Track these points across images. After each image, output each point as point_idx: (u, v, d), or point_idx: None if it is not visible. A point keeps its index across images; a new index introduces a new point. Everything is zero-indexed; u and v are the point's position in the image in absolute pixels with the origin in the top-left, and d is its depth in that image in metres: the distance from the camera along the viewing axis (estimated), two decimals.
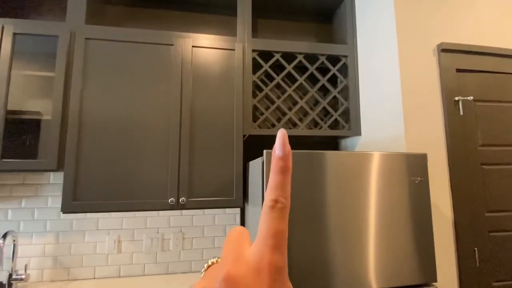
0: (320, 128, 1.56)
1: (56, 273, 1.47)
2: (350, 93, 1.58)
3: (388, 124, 1.29)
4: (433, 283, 1.01)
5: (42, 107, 1.49)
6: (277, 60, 1.59)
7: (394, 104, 1.25)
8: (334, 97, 1.72)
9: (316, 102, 1.80)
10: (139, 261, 1.55)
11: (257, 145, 1.74)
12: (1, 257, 1.26)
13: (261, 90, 1.70)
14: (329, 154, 1.01)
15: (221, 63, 1.45)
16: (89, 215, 1.53)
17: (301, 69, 1.78)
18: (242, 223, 1.68)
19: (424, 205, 1.04)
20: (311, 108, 1.76)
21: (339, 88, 1.60)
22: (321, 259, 0.95)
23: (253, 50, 1.52)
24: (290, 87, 1.63)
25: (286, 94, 1.52)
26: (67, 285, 1.42)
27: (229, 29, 1.79)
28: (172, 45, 1.41)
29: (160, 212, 1.60)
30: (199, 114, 1.40)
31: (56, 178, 1.53)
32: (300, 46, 1.56)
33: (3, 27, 1.29)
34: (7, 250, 1.42)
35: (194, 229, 1.63)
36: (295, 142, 1.78)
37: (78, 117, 1.29)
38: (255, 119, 1.60)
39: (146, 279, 1.50)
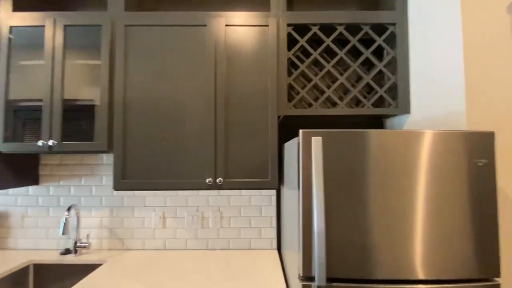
0: (363, 107, 1.43)
1: (112, 243, 1.65)
2: (398, 66, 1.41)
3: (444, 99, 1.13)
4: (495, 279, 0.89)
5: (94, 93, 1.61)
6: (315, 33, 1.47)
7: (454, 75, 1.07)
8: (380, 71, 1.55)
9: (359, 78, 1.65)
10: (182, 236, 1.66)
11: (293, 126, 1.68)
12: (68, 227, 1.45)
13: (297, 67, 1.61)
14: (373, 133, 0.92)
15: (255, 41, 1.40)
16: (136, 192, 1.67)
17: (341, 42, 1.63)
18: (278, 204, 1.67)
19: (488, 191, 0.90)
20: (352, 85, 1.62)
21: (385, 61, 1.43)
22: (362, 246, 0.90)
23: (288, 25, 1.43)
24: (329, 62, 1.51)
25: (324, 71, 1.41)
26: (122, 254, 1.59)
27: (263, 4, 1.71)
28: (205, 25, 1.39)
29: (200, 191, 1.67)
30: (233, 95, 1.38)
31: (109, 159, 1.68)
32: (341, 15, 1.42)
33: (55, 20, 1.39)
34: (72, 221, 1.63)
35: (231, 208, 1.67)
36: (334, 123, 1.67)
37: (122, 101, 1.37)
38: (290, 99, 1.53)
39: (188, 253, 1.60)
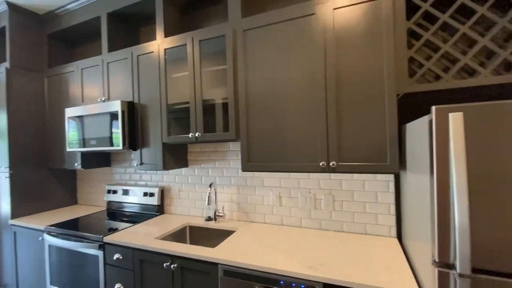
0: None
1: (240, 215, 2.00)
2: None
3: None
4: None
5: (221, 93, 1.95)
6: None
7: None
8: None
9: (509, 37, 1.29)
10: (296, 214, 1.82)
11: (414, 105, 1.51)
12: (210, 199, 1.86)
13: (418, 37, 1.42)
14: None
15: (366, 18, 1.33)
16: (256, 174, 1.94)
17: None
18: (397, 191, 1.57)
19: None
20: (500, 47, 1.29)
21: None
22: (508, 232, 0.76)
23: None
24: (463, 24, 1.26)
25: (458, 34, 1.19)
26: (248, 224, 1.90)
27: None
28: (313, 14, 1.43)
29: (311, 174, 1.77)
30: (344, 77, 1.38)
31: (233, 146, 2.02)
32: None
33: (192, 38, 1.77)
34: (212, 196, 2.07)
35: (344, 192, 1.69)
36: (473, 97, 1.39)
37: (245, 98, 1.61)
38: (412, 74, 1.37)
39: (303, 230, 1.74)
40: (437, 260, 0.84)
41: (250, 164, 1.60)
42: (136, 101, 2.01)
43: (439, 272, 0.84)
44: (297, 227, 1.81)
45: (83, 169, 2.33)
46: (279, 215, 1.87)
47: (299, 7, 1.47)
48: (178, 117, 1.95)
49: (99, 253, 1.79)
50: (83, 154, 2.33)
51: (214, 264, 1.39)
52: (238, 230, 1.80)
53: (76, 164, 2.32)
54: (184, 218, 2.11)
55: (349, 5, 1.36)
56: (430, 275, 0.91)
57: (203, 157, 2.12)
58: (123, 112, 1.96)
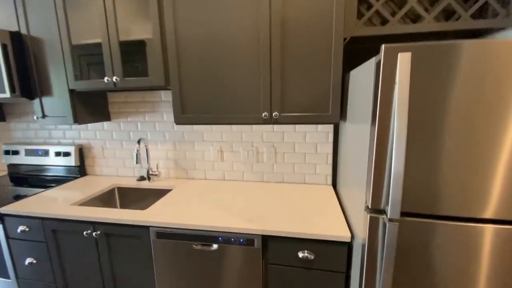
0: (457, 19, 1.12)
1: (178, 172, 1.83)
2: None
3: None
4: None
5: (146, 30, 1.57)
6: None
7: None
8: None
9: None
10: (239, 169, 1.74)
11: (360, 52, 1.45)
12: (140, 157, 1.62)
13: None
14: (467, 44, 0.70)
15: None
16: (195, 127, 1.74)
17: None
18: (335, 141, 1.59)
19: None
20: None
21: None
22: (431, 178, 0.79)
23: None
24: None
25: None
26: (187, 182, 1.76)
27: None
28: None
29: (254, 127, 1.67)
30: (291, 21, 1.20)
31: (165, 96, 1.73)
32: None
33: None
34: (142, 153, 1.82)
35: (286, 144, 1.65)
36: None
37: (174, 37, 1.30)
38: (360, 16, 1.27)
39: (245, 184, 1.70)
40: (369, 207, 0.86)
41: (184, 116, 1.39)
42: (24, 32, 1.48)
43: (371, 218, 0.86)
44: (239, 181, 1.75)
45: None
46: (220, 170, 1.77)
47: None
48: (89, 55, 1.52)
49: None
50: None
51: (145, 227, 1.24)
52: (175, 188, 1.65)
53: None
54: (112, 179, 1.85)
55: None
56: (361, 220, 0.94)
57: (129, 108, 1.79)
58: (4, 46, 1.43)
